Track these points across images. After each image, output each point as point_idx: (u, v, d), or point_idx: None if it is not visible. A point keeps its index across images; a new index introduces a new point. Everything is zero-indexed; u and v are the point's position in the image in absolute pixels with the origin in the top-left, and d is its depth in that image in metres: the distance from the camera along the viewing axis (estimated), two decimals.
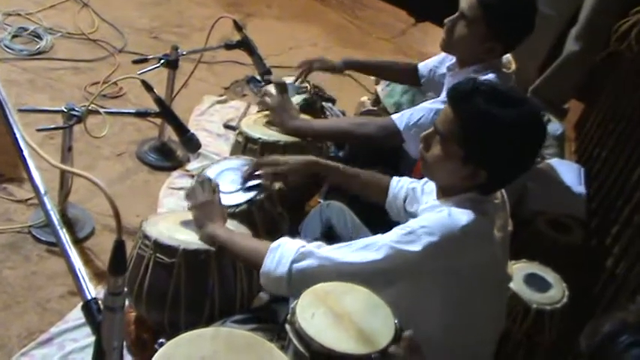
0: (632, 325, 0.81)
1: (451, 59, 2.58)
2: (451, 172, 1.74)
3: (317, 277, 1.71)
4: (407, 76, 2.91)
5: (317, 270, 1.72)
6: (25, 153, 1.34)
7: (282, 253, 1.77)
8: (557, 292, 2.36)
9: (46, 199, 1.28)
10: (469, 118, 1.68)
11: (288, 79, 3.02)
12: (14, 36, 3.50)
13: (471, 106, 1.68)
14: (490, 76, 2.35)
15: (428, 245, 1.64)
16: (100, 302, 1.16)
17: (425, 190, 2.04)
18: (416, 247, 1.65)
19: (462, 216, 1.67)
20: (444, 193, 1.80)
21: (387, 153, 2.66)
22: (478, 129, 1.68)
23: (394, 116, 2.50)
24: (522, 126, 1.68)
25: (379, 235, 1.73)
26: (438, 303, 1.73)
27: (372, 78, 3.44)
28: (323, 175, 2.30)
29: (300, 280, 1.73)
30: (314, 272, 1.72)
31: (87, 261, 2.43)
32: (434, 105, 2.41)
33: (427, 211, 1.79)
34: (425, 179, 2.05)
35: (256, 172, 2.30)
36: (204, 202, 2.08)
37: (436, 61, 2.78)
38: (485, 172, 1.69)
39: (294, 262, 1.74)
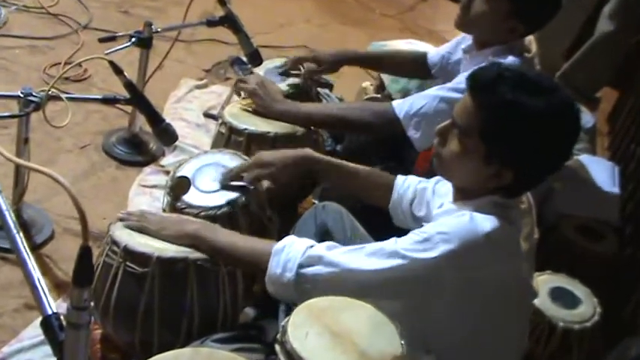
0: None
1: (467, 41, 2.58)
2: (471, 172, 1.74)
3: (327, 283, 1.74)
4: (414, 67, 2.92)
5: (326, 276, 1.74)
6: None
7: (288, 257, 1.79)
8: (587, 308, 2.37)
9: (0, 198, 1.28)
10: (493, 109, 1.68)
11: (276, 62, 3.02)
12: None
13: (495, 95, 1.68)
14: (511, 59, 2.36)
15: (445, 254, 1.64)
16: (61, 318, 1.16)
17: (437, 191, 2.04)
18: (431, 254, 1.65)
19: (486, 222, 1.67)
20: (463, 195, 1.80)
21: (391, 146, 2.66)
22: (503, 121, 1.67)
23: (394, 102, 2.51)
24: (554, 117, 1.67)
25: (391, 241, 1.74)
26: (453, 321, 1.73)
27: (374, 51, 3.44)
28: (317, 173, 2.30)
29: (307, 286, 1.76)
30: (323, 279, 1.75)
31: (45, 270, 2.42)
32: (439, 92, 2.42)
33: (444, 215, 1.79)
34: (436, 178, 2.05)
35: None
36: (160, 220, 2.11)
37: (449, 47, 2.79)
38: (511, 171, 1.69)
39: (301, 266, 1.76)
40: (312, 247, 1.80)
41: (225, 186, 2.29)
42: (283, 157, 2.25)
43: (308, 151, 2.27)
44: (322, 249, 1.79)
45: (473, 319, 1.73)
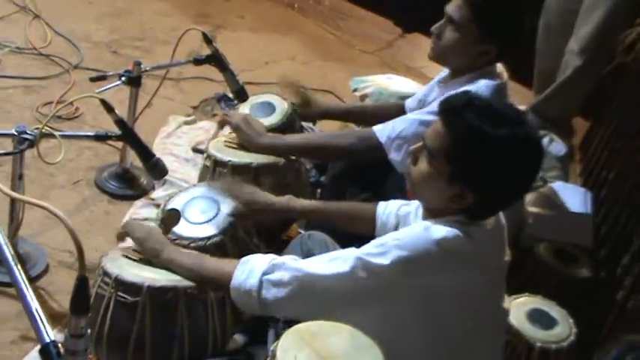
0: (636, 347, 0.86)
1: (442, 76, 2.62)
2: (437, 192, 1.78)
3: (287, 288, 1.76)
4: (394, 113, 2.94)
5: (288, 282, 1.76)
6: None
7: (254, 266, 1.82)
8: (563, 329, 2.39)
9: None
10: (458, 133, 1.72)
11: (263, 98, 3.04)
12: None
13: (462, 120, 1.72)
14: (483, 82, 2.40)
15: (397, 259, 1.67)
16: (59, 345, 1.17)
17: (419, 214, 2.06)
18: (384, 261, 1.68)
19: (440, 231, 1.70)
20: (431, 214, 1.83)
21: (374, 175, 2.68)
22: (467, 145, 1.71)
23: (375, 127, 2.54)
24: (515, 147, 1.71)
25: (353, 248, 1.77)
26: (418, 332, 1.74)
27: (358, 94, 3.48)
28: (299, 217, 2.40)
29: (270, 292, 1.77)
30: (285, 284, 1.76)
31: (40, 302, 2.38)
32: (418, 116, 2.46)
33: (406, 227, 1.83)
34: (418, 202, 2.08)
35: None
36: (147, 233, 2.12)
37: (425, 90, 2.83)
38: (472, 193, 1.72)
39: (265, 273, 1.79)
40: (275, 258, 1.83)
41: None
42: (268, 205, 2.31)
43: (291, 201, 2.32)
44: (286, 258, 1.83)
45: (440, 334, 1.74)
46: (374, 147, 2.49)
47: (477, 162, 1.71)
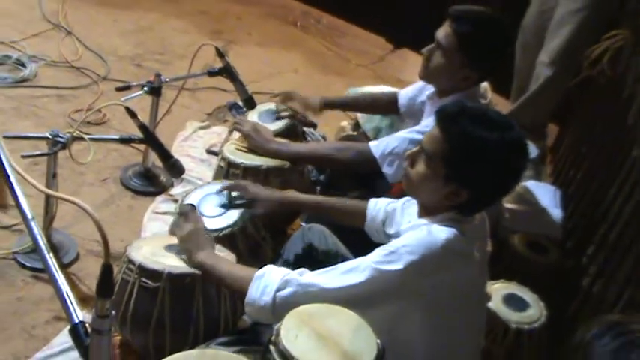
0: (614, 326, 0.86)
1: (430, 87, 2.62)
2: (433, 191, 1.77)
3: (301, 304, 1.71)
4: (386, 106, 2.94)
5: (301, 297, 1.73)
6: (12, 179, 1.35)
7: (267, 282, 1.78)
8: (535, 311, 2.39)
9: (33, 224, 1.29)
10: (455, 138, 1.72)
11: (269, 105, 3.04)
12: None
13: (458, 126, 1.71)
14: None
15: (409, 264, 1.67)
16: (87, 325, 1.16)
17: (405, 210, 2.06)
18: (398, 266, 1.67)
19: (442, 233, 1.70)
20: (426, 211, 1.83)
21: (366, 177, 2.68)
22: (462, 149, 1.71)
23: (371, 144, 2.54)
24: (505, 150, 1.71)
25: (361, 258, 1.75)
26: (419, 320, 1.74)
27: (353, 95, 3.46)
28: (299, 210, 2.42)
29: (284, 308, 1.72)
30: (299, 299, 1.72)
31: (71, 286, 2.38)
32: (410, 135, 2.46)
33: (409, 230, 1.81)
34: (404, 199, 2.08)
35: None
36: (190, 232, 2.08)
37: (416, 89, 2.81)
38: (466, 192, 1.72)
39: (278, 290, 1.75)
40: (288, 274, 1.78)
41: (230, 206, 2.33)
42: (270, 200, 2.31)
43: (292, 195, 2.33)
44: (296, 274, 1.78)
45: (437, 320, 1.74)
46: (370, 161, 2.50)
47: (470, 164, 1.71)
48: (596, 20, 3.50)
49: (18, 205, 1.32)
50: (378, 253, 1.72)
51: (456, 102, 1.83)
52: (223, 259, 2.04)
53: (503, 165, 1.73)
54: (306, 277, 1.77)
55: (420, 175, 1.79)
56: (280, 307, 1.74)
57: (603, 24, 3.51)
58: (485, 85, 2.55)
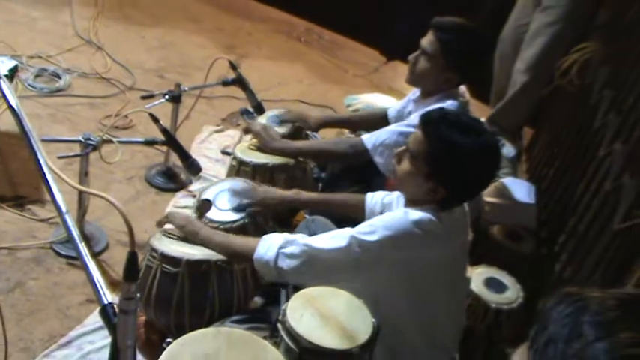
0: (570, 295, 0.86)
1: (416, 94, 2.61)
2: (416, 186, 1.78)
3: (298, 259, 1.76)
4: (378, 122, 2.91)
5: (298, 253, 1.77)
6: (48, 177, 1.34)
7: (271, 242, 1.82)
8: (512, 293, 2.38)
9: (67, 217, 1.28)
10: (435, 141, 1.72)
11: (275, 111, 3.03)
12: (37, 76, 3.50)
13: (438, 131, 1.72)
14: (450, 102, 2.39)
15: (384, 237, 1.69)
16: (115, 306, 1.16)
17: (400, 202, 2.06)
18: (373, 237, 1.70)
19: (416, 215, 1.72)
20: (410, 203, 1.84)
21: (363, 173, 2.68)
22: (440, 151, 1.72)
23: (364, 136, 2.54)
24: (479, 153, 1.72)
25: (348, 228, 1.78)
26: (401, 296, 1.75)
27: (350, 109, 3.46)
28: (303, 207, 2.43)
29: (284, 262, 1.77)
30: (296, 255, 1.77)
31: (102, 272, 2.39)
32: (398, 128, 2.45)
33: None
34: (398, 193, 2.08)
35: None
36: (183, 219, 2.12)
37: (404, 102, 2.80)
38: (444, 189, 1.72)
39: (280, 247, 1.79)
40: (290, 235, 1.84)
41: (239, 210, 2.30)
42: (277, 199, 2.30)
43: (294, 194, 2.32)
44: (297, 236, 1.84)
45: (418, 295, 1.75)
46: (362, 152, 2.49)
47: (448, 164, 1.72)
48: (569, 33, 3.48)
49: (53, 201, 1.31)
50: (360, 226, 1.76)
51: (438, 109, 1.84)
52: (226, 234, 2.07)
53: (476, 166, 1.74)
54: (303, 238, 1.82)
55: (405, 171, 1.80)
56: (281, 262, 1.78)
57: (575, 36, 3.50)
58: (463, 87, 2.55)
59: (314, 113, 3.05)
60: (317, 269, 1.77)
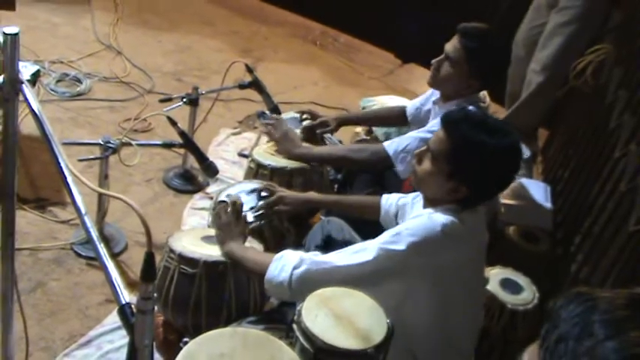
0: (580, 295, 0.86)
1: (436, 95, 2.60)
2: (437, 185, 1.76)
3: (315, 280, 1.72)
4: (396, 119, 2.92)
5: (315, 274, 1.73)
6: (69, 180, 1.36)
7: (285, 262, 1.78)
8: (528, 294, 2.36)
9: (86, 219, 1.29)
10: (457, 140, 1.71)
11: (293, 114, 3.04)
12: (58, 80, 3.54)
13: (460, 130, 1.71)
14: (470, 108, 2.38)
15: (411, 244, 1.66)
16: (133, 306, 1.16)
17: (415, 204, 2.05)
18: (401, 247, 1.67)
19: (441, 219, 1.70)
20: (430, 203, 1.82)
21: (378, 175, 2.67)
22: (464, 151, 1.70)
23: (385, 143, 2.52)
24: (502, 153, 1.70)
25: (370, 240, 1.75)
26: (424, 299, 1.73)
27: (366, 110, 3.45)
28: (320, 207, 2.40)
29: (300, 283, 1.73)
30: (312, 276, 1.73)
31: (121, 272, 2.39)
32: (420, 134, 2.44)
33: (413, 218, 1.81)
34: (414, 194, 2.07)
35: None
36: (226, 223, 2.09)
37: (422, 99, 2.79)
38: (466, 188, 1.71)
39: (294, 268, 1.76)
40: (303, 254, 1.79)
41: (256, 215, 2.30)
42: (295, 200, 2.30)
43: (312, 195, 2.33)
44: (311, 255, 1.79)
45: (440, 298, 1.73)
46: (384, 159, 2.47)
47: (470, 163, 1.70)
48: (584, 33, 3.45)
49: (73, 202, 1.32)
50: (384, 235, 1.73)
51: (460, 109, 1.83)
52: (250, 248, 2.04)
53: (498, 166, 1.72)
54: (320, 256, 1.77)
55: (426, 171, 1.78)
56: (296, 284, 1.74)
57: (590, 37, 3.47)
58: (484, 92, 2.53)
59: (330, 114, 3.04)
60: (337, 287, 1.74)
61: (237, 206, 2.13)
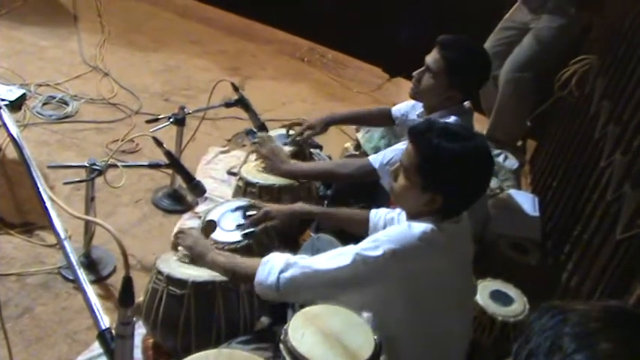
0: (553, 308, 0.86)
1: (419, 108, 2.60)
2: (414, 199, 1.76)
3: (300, 283, 1.74)
4: (381, 119, 2.93)
5: (300, 277, 1.74)
6: (48, 204, 1.34)
7: (272, 265, 1.79)
8: (519, 305, 2.35)
9: (66, 244, 1.28)
10: (424, 152, 1.72)
11: (280, 131, 3.03)
12: (44, 103, 3.52)
13: (425, 141, 1.71)
14: (453, 118, 2.38)
15: (387, 250, 1.66)
16: (113, 331, 1.15)
17: (401, 218, 2.05)
18: (378, 252, 1.67)
19: (419, 227, 1.70)
20: (411, 217, 1.82)
21: (367, 191, 2.66)
22: (431, 160, 1.71)
23: (371, 157, 2.52)
24: (468, 157, 1.71)
25: (350, 245, 1.76)
26: (402, 308, 1.72)
27: (354, 127, 3.46)
28: (309, 219, 2.38)
29: (286, 286, 1.75)
30: (297, 278, 1.74)
31: (109, 295, 2.40)
32: (404, 146, 2.42)
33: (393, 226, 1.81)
34: (400, 209, 2.06)
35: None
36: (193, 240, 2.10)
37: (408, 107, 2.79)
38: (441, 197, 1.71)
39: (281, 271, 1.76)
40: (289, 258, 1.80)
41: (244, 233, 2.28)
42: (281, 212, 2.29)
43: (301, 206, 2.32)
44: (297, 258, 1.80)
45: (421, 306, 1.72)
46: (369, 172, 2.47)
47: (440, 172, 1.71)
48: (555, 38, 3.47)
49: (52, 227, 1.31)
50: (363, 242, 1.73)
51: (425, 120, 1.84)
52: (231, 255, 2.04)
53: (468, 170, 1.72)
54: (304, 260, 1.78)
55: (402, 186, 1.78)
56: (283, 286, 1.75)
57: (566, 43, 3.48)
58: (467, 102, 2.54)
59: (314, 116, 3.03)
60: (320, 290, 1.75)
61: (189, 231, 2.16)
